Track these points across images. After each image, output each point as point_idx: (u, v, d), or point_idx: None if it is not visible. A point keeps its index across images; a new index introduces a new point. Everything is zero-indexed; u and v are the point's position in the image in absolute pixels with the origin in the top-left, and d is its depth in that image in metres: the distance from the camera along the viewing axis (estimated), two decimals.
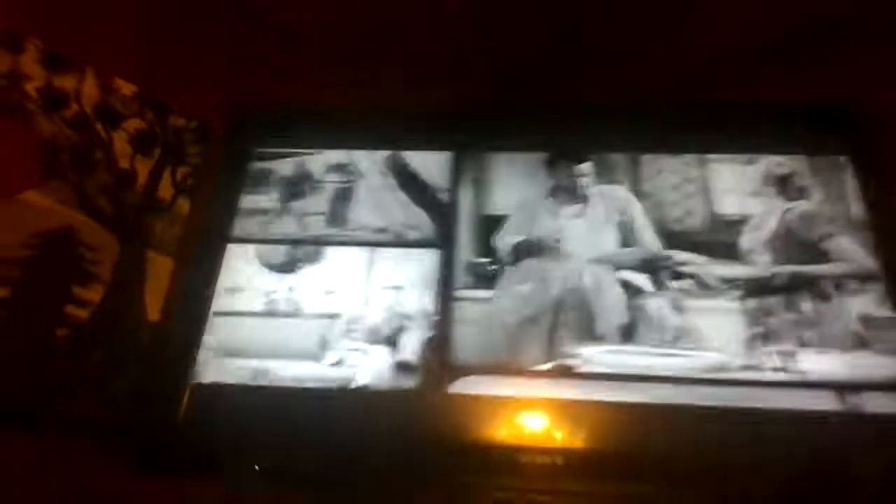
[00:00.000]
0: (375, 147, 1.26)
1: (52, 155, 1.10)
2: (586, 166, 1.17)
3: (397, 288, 1.09)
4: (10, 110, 1.09)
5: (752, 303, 1.03)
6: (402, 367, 1.02)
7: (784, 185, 1.13)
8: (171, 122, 1.27)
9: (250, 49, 1.46)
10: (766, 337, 1.00)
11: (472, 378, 1.01)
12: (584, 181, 1.17)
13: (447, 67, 1.51)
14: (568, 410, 0.96)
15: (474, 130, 1.25)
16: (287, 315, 1.08)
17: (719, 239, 1.10)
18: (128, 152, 1.19)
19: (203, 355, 1.05)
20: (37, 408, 1.00)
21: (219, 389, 1.03)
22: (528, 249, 1.12)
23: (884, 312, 1.01)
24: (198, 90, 1.32)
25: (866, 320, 1.00)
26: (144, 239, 1.17)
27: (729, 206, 1.13)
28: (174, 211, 1.23)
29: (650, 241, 1.10)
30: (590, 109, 1.26)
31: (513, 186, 1.18)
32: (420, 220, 1.16)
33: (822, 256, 1.06)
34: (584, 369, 1.00)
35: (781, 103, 1.22)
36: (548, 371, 1.01)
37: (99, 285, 1.09)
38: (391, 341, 1.05)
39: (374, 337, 1.05)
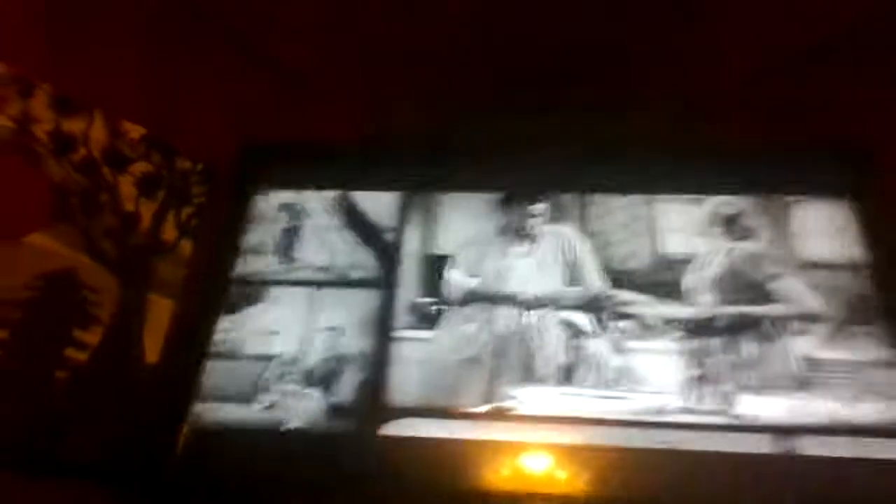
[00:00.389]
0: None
1: (62, 198, 1.12)
2: (540, 206, 1.18)
3: (337, 329, 1.09)
4: (19, 153, 1.11)
5: (692, 344, 1.03)
6: (336, 410, 1.02)
7: (730, 225, 1.13)
8: (178, 165, 1.29)
9: (256, 88, 1.49)
10: (705, 378, 1.00)
11: (408, 420, 1.00)
12: (534, 221, 1.17)
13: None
14: (502, 452, 0.96)
15: (423, 170, 1.27)
16: (225, 357, 1.09)
17: (664, 279, 1.10)
18: (133, 195, 1.21)
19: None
20: (33, 450, 1.00)
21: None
22: (478, 293, 1.12)
23: (826, 354, 1.00)
24: (205, 130, 1.34)
25: (809, 362, 1.00)
26: (146, 281, 1.18)
27: (675, 245, 1.13)
28: (177, 252, 1.24)
29: (594, 281, 1.10)
30: (541, 149, 1.27)
31: (461, 226, 1.19)
32: (364, 260, 1.16)
33: (767, 297, 1.06)
34: (522, 411, 1.00)
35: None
36: (485, 413, 1.00)
37: (99, 328, 1.10)
38: (326, 383, 1.05)
39: (309, 379, 1.05)
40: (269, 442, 1.03)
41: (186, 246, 1.25)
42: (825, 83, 1.34)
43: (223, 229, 1.23)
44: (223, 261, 1.19)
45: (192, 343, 1.12)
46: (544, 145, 1.27)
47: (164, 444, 1.02)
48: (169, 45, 1.36)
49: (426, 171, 1.29)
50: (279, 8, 1.42)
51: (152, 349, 1.15)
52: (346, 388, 1.05)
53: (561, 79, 1.47)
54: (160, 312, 1.18)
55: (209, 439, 1.04)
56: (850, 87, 1.31)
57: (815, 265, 1.08)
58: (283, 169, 1.33)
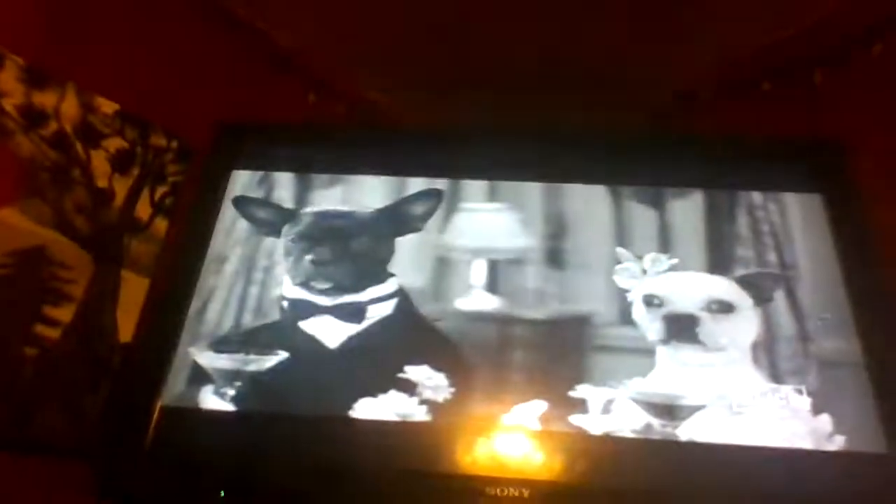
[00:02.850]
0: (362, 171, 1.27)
1: (32, 173, 1.10)
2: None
3: None
4: None
5: None
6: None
7: None
8: (153, 141, 1.27)
9: (238, 67, 1.47)
10: None
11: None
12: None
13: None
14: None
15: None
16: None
17: None
18: (106, 171, 1.19)
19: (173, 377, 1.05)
20: (3, 429, 0.99)
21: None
22: None
23: None
24: (182, 107, 1.32)
25: None
26: (120, 258, 1.16)
27: None
28: (151, 230, 1.22)
29: None
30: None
31: None
32: None
33: None
34: None
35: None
36: None
37: (72, 305, 1.08)
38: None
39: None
40: (245, 421, 1.03)
41: (161, 224, 1.24)
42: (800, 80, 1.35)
43: (198, 207, 1.21)
44: (198, 239, 1.17)
45: (166, 322, 1.11)
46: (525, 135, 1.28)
47: (138, 422, 1.01)
48: (146, 18, 1.33)
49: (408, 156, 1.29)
50: None
51: (126, 327, 1.14)
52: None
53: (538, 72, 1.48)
54: (134, 290, 1.17)
55: (183, 417, 1.03)
56: (826, 85, 1.32)
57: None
58: (260, 148, 1.31)
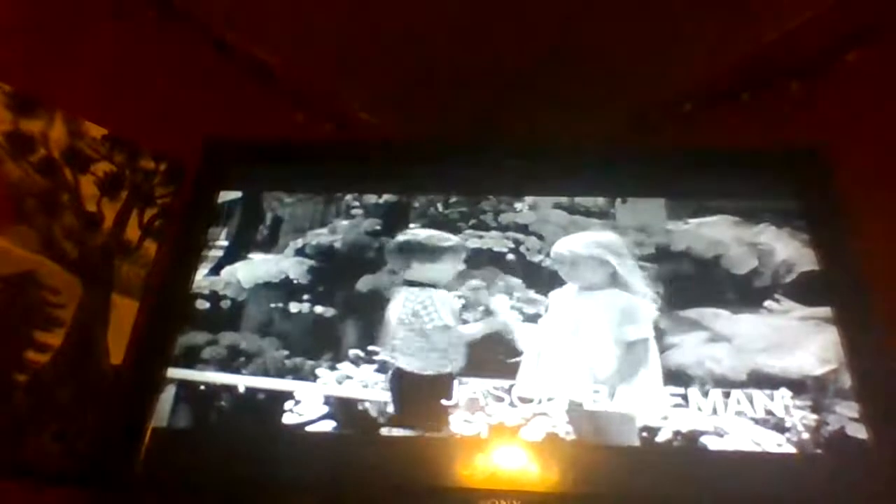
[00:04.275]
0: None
1: (19, 200, 1.10)
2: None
3: None
4: None
5: None
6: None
7: None
8: (141, 164, 1.28)
9: (225, 87, 1.49)
10: None
11: None
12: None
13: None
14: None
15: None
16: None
17: None
18: (95, 195, 1.20)
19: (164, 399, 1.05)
20: None
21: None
22: None
23: None
24: (170, 128, 1.33)
25: None
26: (109, 282, 1.17)
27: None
28: (141, 253, 1.23)
29: None
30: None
31: None
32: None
33: None
34: None
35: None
36: None
37: (61, 329, 1.09)
38: None
39: None
40: (236, 442, 1.03)
41: (150, 246, 1.24)
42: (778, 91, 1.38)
43: (186, 228, 1.22)
44: (186, 261, 1.18)
45: (156, 344, 1.12)
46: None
47: (129, 445, 1.01)
48: (133, 42, 1.35)
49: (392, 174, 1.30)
50: (248, 3, 1.41)
51: (116, 350, 1.14)
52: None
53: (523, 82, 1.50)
54: (124, 313, 1.17)
55: (175, 439, 1.04)
56: (803, 95, 1.35)
57: None
58: (248, 168, 1.32)
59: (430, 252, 1.17)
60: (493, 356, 1.07)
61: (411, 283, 1.15)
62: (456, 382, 1.04)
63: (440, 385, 1.04)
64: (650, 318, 1.08)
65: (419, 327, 1.10)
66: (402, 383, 1.05)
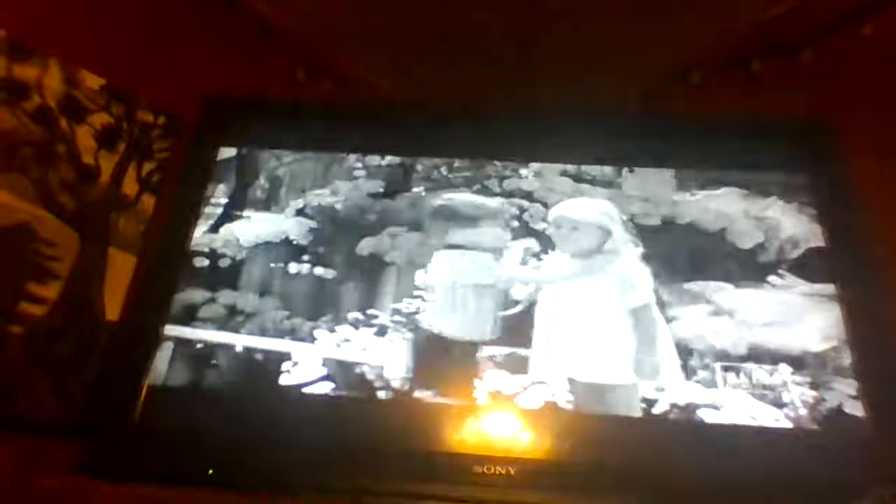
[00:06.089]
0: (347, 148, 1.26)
1: (13, 148, 1.08)
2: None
3: None
4: None
5: None
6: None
7: None
8: (139, 117, 1.25)
9: (226, 43, 1.45)
10: None
11: None
12: None
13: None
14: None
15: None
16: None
17: None
18: (92, 147, 1.17)
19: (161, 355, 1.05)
20: None
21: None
22: None
23: None
24: (170, 82, 1.30)
25: None
26: (106, 236, 1.15)
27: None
28: (138, 207, 1.21)
29: None
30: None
31: None
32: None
33: None
34: None
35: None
36: None
37: (57, 282, 1.07)
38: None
39: None
40: (232, 399, 1.03)
41: (148, 201, 1.22)
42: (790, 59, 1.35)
43: (184, 185, 1.20)
44: (185, 217, 1.16)
45: (154, 302, 1.10)
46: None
47: (125, 400, 1.01)
48: None
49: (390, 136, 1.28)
50: None
51: (112, 305, 1.13)
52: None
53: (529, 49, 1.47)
54: (121, 268, 1.15)
55: (171, 395, 1.03)
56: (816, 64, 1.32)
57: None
58: (248, 124, 1.29)
59: (471, 217, 1.16)
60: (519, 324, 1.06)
61: (452, 247, 1.14)
62: (485, 350, 1.04)
63: (469, 351, 1.04)
64: (649, 283, 1.07)
65: (462, 292, 1.09)
66: (430, 346, 1.05)
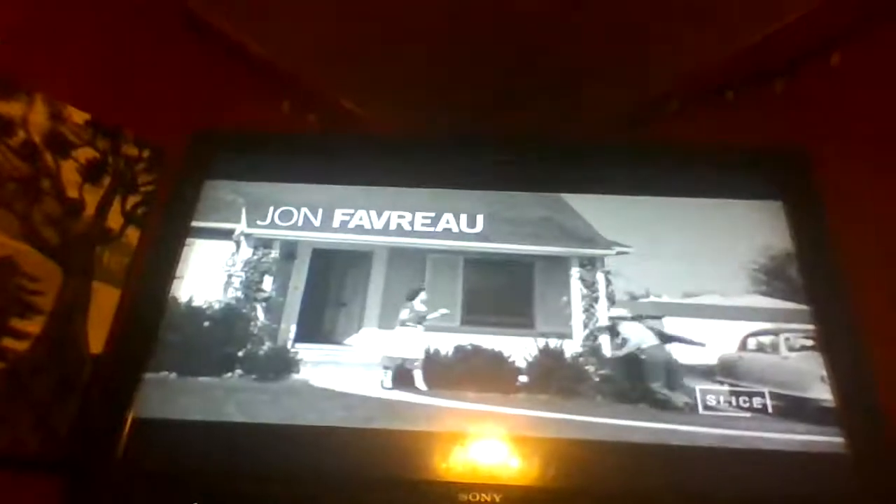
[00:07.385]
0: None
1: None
2: None
3: None
4: None
5: None
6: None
7: None
8: (124, 151, 1.26)
9: (212, 76, 1.47)
10: None
11: None
12: None
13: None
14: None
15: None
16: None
17: None
18: (77, 181, 1.18)
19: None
20: None
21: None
22: None
23: None
24: (156, 117, 1.32)
25: None
26: (90, 269, 1.15)
27: None
28: (123, 241, 1.21)
29: None
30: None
31: None
32: None
33: None
34: None
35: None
36: None
37: (40, 317, 1.07)
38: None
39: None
40: (217, 432, 1.03)
41: (133, 234, 1.23)
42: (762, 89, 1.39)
43: (170, 217, 1.21)
44: (169, 250, 1.17)
45: (137, 333, 1.10)
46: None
47: (110, 433, 1.00)
48: (119, 26, 1.33)
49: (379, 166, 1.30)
50: None
51: (96, 339, 1.12)
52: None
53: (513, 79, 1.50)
54: (105, 301, 1.15)
55: (155, 429, 1.03)
56: (786, 94, 1.36)
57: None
58: (235, 158, 1.31)
59: None
60: None
61: None
62: None
63: None
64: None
65: None
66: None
